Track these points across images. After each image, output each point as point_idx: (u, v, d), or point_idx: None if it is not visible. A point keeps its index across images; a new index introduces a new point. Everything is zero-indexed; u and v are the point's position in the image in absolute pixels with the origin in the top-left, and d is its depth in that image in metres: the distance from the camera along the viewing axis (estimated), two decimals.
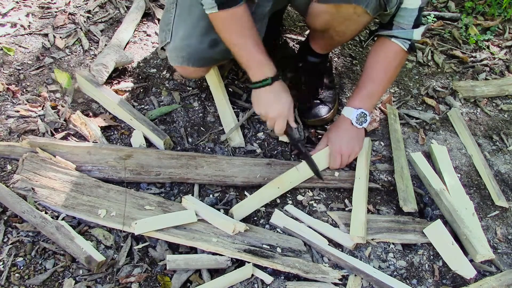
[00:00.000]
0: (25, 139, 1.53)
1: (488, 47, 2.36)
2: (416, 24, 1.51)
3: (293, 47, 2.13)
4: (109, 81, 1.82)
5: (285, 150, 1.70)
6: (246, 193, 1.54)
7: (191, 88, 1.87)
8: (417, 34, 1.53)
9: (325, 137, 1.65)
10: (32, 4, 2.12)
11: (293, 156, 1.69)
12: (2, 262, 1.29)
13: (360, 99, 1.60)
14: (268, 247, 1.37)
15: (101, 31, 2.06)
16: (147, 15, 2.18)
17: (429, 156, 1.75)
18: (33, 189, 1.40)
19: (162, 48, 1.59)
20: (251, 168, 1.57)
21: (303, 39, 2.17)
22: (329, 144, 1.60)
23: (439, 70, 2.19)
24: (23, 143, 1.52)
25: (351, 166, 1.65)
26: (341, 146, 1.58)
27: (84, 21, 2.09)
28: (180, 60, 1.54)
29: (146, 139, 1.65)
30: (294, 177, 1.54)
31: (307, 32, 2.22)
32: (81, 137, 1.62)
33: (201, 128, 1.74)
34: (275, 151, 1.69)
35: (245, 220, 1.47)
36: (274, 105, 1.44)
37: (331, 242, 1.44)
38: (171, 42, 1.53)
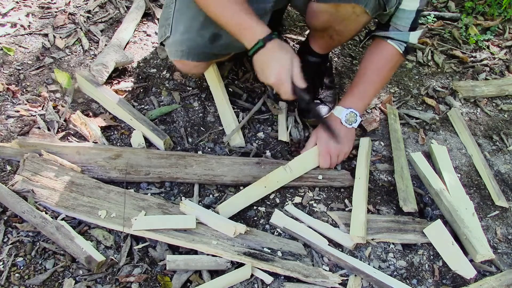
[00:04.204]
0: (15, 139, 1.52)
1: (488, 47, 2.36)
2: (413, 27, 1.51)
3: (293, 47, 2.13)
4: (109, 81, 1.82)
5: (284, 149, 1.70)
6: None
7: (191, 88, 1.87)
8: (413, 37, 1.53)
9: (313, 136, 1.62)
10: (32, 4, 2.12)
11: (292, 153, 1.68)
12: (2, 262, 1.29)
13: (352, 99, 1.59)
14: (268, 250, 1.36)
15: (101, 31, 2.06)
16: (147, 15, 2.18)
17: (429, 156, 1.75)
18: (32, 190, 1.40)
19: (162, 44, 1.59)
20: (240, 167, 1.56)
21: (303, 39, 2.17)
22: (318, 143, 1.58)
23: (439, 70, 2.19)
24: (12, 144, 1.52)
25: (351, 166, 1.66)
26: (329, 146, 1.57)
27: (84, 21, 2.09)
28: (180, 54, 1.53)
29: (146, 139, 1.65)
30: (281, 177, 1.53)
31: (307, 32, 2.22)
32: (81, 137, 1.62)
33: (201, 128, 1.74)
34: (274, 150, 1.69)
35: (244, 221, 1.47)
36: (271, 68, 1.31)
37: (331, 242, 1.44)
38: (171, 37, 1.52)
